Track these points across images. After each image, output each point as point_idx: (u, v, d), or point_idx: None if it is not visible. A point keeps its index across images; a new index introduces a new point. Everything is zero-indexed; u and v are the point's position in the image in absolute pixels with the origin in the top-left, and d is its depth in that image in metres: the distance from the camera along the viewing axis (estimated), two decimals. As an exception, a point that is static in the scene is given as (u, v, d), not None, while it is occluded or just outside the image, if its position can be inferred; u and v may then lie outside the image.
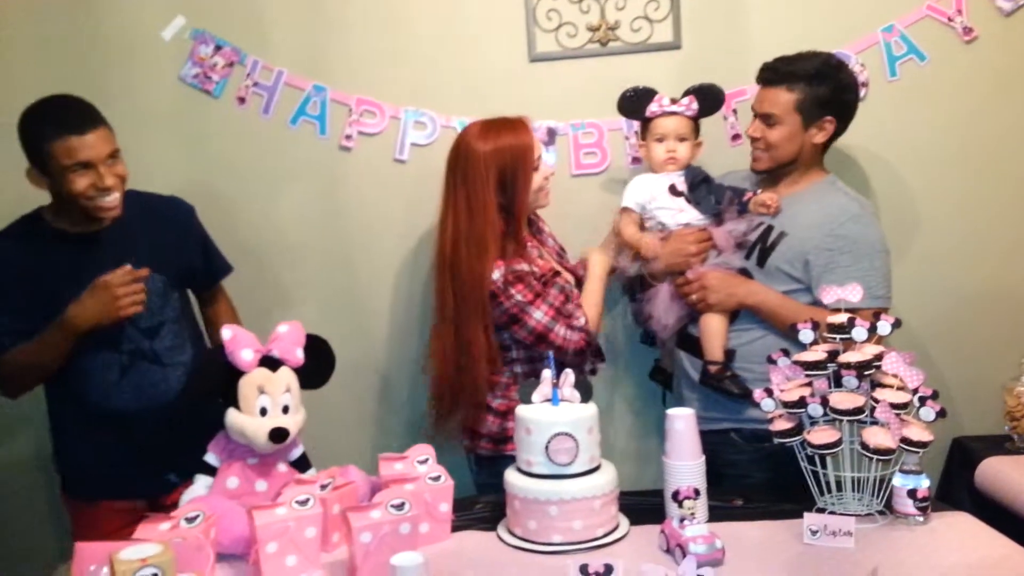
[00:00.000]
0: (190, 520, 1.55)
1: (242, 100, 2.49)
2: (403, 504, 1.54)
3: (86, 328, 1.89)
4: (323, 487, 1.67)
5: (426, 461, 1.78)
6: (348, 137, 2.49)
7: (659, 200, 2.19)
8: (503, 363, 2.11)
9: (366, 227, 2.53)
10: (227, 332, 1.69)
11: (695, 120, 2.23)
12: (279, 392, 1.69)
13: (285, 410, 1.69)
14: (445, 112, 2.49)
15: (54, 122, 1.87)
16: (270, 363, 1.71)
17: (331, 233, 2.54)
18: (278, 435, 1.65)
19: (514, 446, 1.87)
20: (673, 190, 2.20)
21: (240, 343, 1.69)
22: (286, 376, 1.71)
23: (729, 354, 2.09)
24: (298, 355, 1.73)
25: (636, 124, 2.42)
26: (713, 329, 2.10)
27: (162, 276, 2.04)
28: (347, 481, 1.71)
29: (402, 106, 2.49)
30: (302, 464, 1.78)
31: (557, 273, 2.14)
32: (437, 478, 1.72)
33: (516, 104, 2.42)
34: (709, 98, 2.22)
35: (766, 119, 2.11)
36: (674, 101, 2.20)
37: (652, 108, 2.21)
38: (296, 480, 1.67)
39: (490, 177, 2.06)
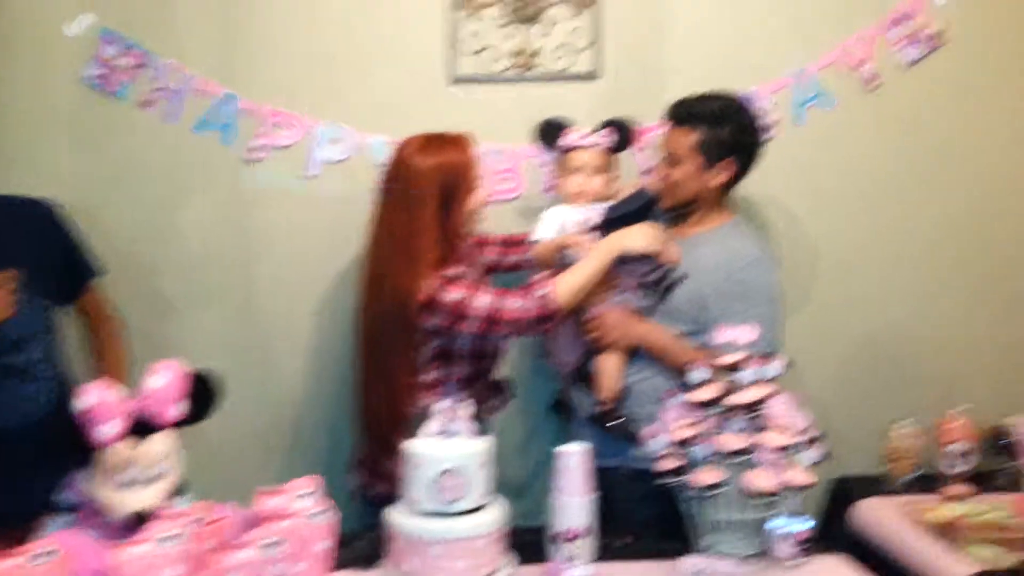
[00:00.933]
0: (41, 556, 1.45)
1: (148, 104, 2.40)
2: (277, 543, 1.49)
3: None
4: (194, 522, 1.59)
5: (308, 495, 1.72)
6: (256, 149, 2.42)
7: (571, 234, 2.17)
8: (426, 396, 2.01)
9: (271, 243, 2.47)
10: (85, 399, 1.51)
11: (611, 153, 2.23)
12: (147, 466, 1.56)
13: (153, 480, 1.58)
14: (361, 129, 2.45)
15: None
16: (141, 424, 1.55)
17: (234, 248, 2.47)
18: (140, 520, 1.52)
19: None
20: (587, 225, 2.17)
21: (100, 416, 1.49)
22: (158, 445, 1.57)
23: (621, 395, 2.10)
24: (173, 413, 1.60)
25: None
26: (608, 368, 2.11)
27: (25, 280, 1.90)
28: (220, 516, 1.64)
29: (316, 120, 2.44)
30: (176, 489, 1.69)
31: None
32: (317, 514, 1.66)
33: (434, 125, 2.37)
34: (623, 132, 2.24)
35: (669, 158, 2.13)
36: (589, 134, 2.20)
37: (566, 139, 2.21)
38: (166, 513, 1.60)
39: (430, 193, 1.97)
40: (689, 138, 2.09)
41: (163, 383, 1.57)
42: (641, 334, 2.09)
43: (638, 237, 2.05)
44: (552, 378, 2.40)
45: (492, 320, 1.97)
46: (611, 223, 2.11)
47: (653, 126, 2.45)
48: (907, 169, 2.55)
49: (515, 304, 1.98)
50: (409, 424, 1.95)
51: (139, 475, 1.55)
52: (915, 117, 2.52)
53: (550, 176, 2.46)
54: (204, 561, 1.54)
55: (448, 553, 1.60)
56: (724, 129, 2.08)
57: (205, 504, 1.66)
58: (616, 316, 2.10)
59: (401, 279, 1.96)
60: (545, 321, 2.00)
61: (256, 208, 2.46)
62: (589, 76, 2.49)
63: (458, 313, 1.96)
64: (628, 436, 2.04)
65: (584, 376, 2.19)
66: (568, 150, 2.21)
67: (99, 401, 1.51)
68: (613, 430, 2.06)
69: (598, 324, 2.11)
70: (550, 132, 2.23)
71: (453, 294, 1.95)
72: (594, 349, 2.14)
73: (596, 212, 2.18)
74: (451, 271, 1.99)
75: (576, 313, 2.15)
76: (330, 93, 2.45)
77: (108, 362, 2.09)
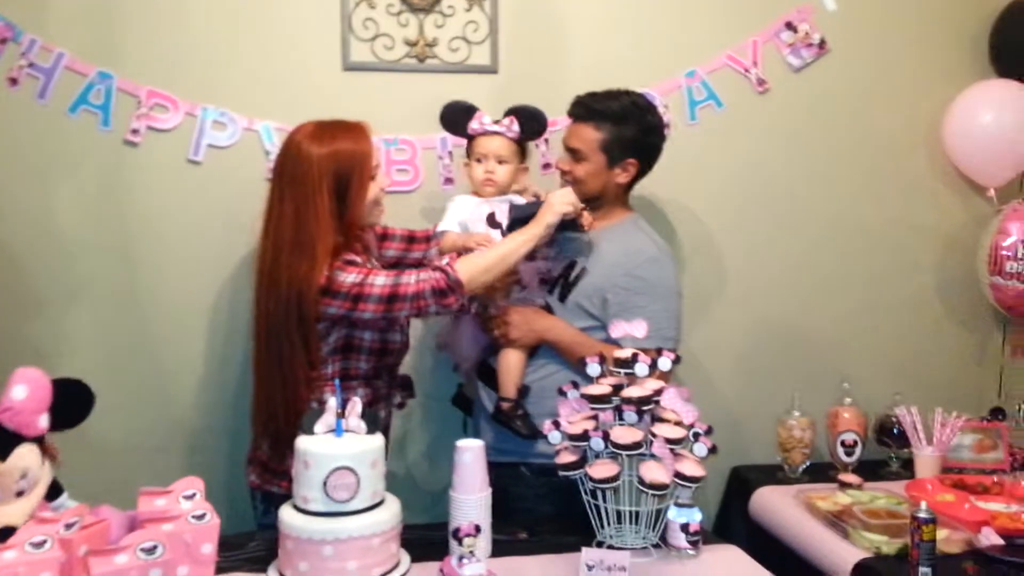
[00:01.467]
0: None
1: (14, 82, 2.24)
2: (155, 547, 1.40)
3: None
4: (68, 526, 1.49)
5: (193, 496, 1.63)
6: (135, 131, 2.29)
7: (475, 226, 2.13)
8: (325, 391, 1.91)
9: (154, 229, 2.34)
10: None
11: (518, 143, 2.19)
12: (12, 481, 1.44)
13: (19, 493, 1.46)
14: (248, 114, 2.35)
15: None
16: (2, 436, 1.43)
17: (113, 234, 2.32)
18: (6, 534, 1.41)
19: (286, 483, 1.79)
20: (491, 220, 2.14)
21: None
22: (22, 460, 1.45)
23: (523, 391, 2.09)
24: (40, 424, 1.47)
25: (451, 143, 2.40)
26: (510, 365, 2.09)
27: None
28: (98, 519, 1.54)
29: (199, 103, 2.32)
30: (52, 490, 1.57)
31: None
32: (202, 516, 1.58)
33: (327, 113, 2.29)
34: (531, 121, 2.19)
35: (573, 154, 2.13)
36: (496, 122, 2.17)
37: (472, 125, 2.16)
38: (37, 518, 1.48)
39: (324, 182, 1.88)
40: (593, 135, 2.10)
41: (24, 395, 1.44)
42: (544, 329, 2.08)
43: (562, 199, 2.01)
44: (454, 371, 2.37)
45: (392, 297, 1.88)
46: (513, 225, 2.07)
47: (552, 121, 2.46)
48: (797, 168, 2.65)
49: (414, 278, 1.89)
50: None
51: (2, 491, 1.44)
52: (802, 119, 2.63)
53: (448, 168, 2.43)
54: (78, 566, 1.44)
55: (339, 554, 1.55)
56: (628, 128, 2.09)
57: (81, 507, 1.55)
58: (519, 313, 2.09)
59: (296, 270, 1.86)
60: (446, 294, 1.89)
61: (137, 194, 2.32)
62: (487, 70, 2.47)
63: (356, 294, 1.87)
64: (529, 433, 2.03)
65: (485, 372, 2.16)
66: (474, 136, 2.17)
67: None
68: (513, 427, 2.05)
69: (501, 321, 2.09)
70: (455, 116, 2.18)
71: (351, 276, 1.87)
72: (496, 345, 2.12)
73: (499, 206, 2.15)
74: (348, 256, 1.92)
75: (478, 310, 2.13)
76: (216, 75, 2.34)
77: None
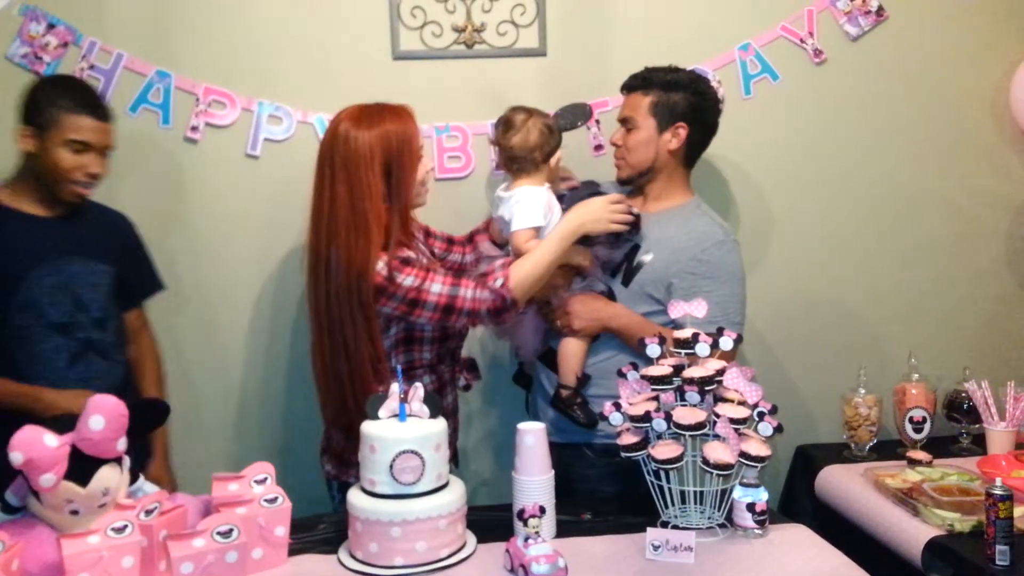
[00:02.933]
0: (-12, 550, 1.40)
1: (76, 84, 2.30)
2: (231, 530, 1.44)
3: (44, 412, 1.80)
4: (148, 512, 1.54)
5: (264, 481, 1.68)
6: (194, 128, 2.34)
7: (556, 214, 2.09)
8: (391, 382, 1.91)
9: (215, 225, 2.39)
10: (17, 456, 1.40)
11: None
12: (95, 501, 1.49)
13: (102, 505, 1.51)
14: (302, 107, 2.38)
15: (75, 97, 1.94)
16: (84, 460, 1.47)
17: (176, 230, 2.38)
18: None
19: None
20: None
21: (38, 466, 1.40)
22: (103, 483, 1.49)
23: (583, 380, 2.08)
24: (119, 448, 1.51)
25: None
26: (570, 353, 2.08)
27: (111, 270, 2.07)
28: (175, 505, 1.59)
29: (255, 98, 2.36)
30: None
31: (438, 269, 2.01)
32: (274, 500, 1.62)
33: (378, 102, 2.35)
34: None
35: (625, 123, 2.14)
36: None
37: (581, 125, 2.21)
38: (116, 504, 1.54)
39: (375, 162, 1.88)
40: (642, 100, 2.11)
41: (102, 425, 1.46)
42: (608, 317, 2.07)
43: (596, 217, 2.00)
44: (515, 357, 2.37)
45: (448, 308, 1.90)
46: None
47: (603, 101, 2.45)
48: (857, 140, 2.58)
49: (470, 294, 1.90)
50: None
51: (84, 507, 1.49)
52: (861, 89, 2.55)
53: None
54: (157, 550, 1.50)
55: (407, 535, 1.57)
56: (677, 94, 2.10)
57: (160, 493, 1.60)
58: (581, 302, 2.07)
59: (354, 250, 1.86)
60: (502, 313, 1.93)
61: (198, 190, 2.37)
62: (535, 52, 2.46)
63: (413, 299, 1.89)
64: (587, 422, 2.03)
65: (546, 353, 2.16)
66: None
67: (38, 453, 1.41)
68: (572, 415, 2.05)
69: (562, 312, 2.07)
70: (575, 120, 2.19)
71: (408, 279, 1.87)
72: (558, 334, 2.11)
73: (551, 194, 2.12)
74: (400, 252, 1.92)
75: (539, 302, 2.12)
76: (269, 70, 2.37)
77: (146, 372, 2.19)
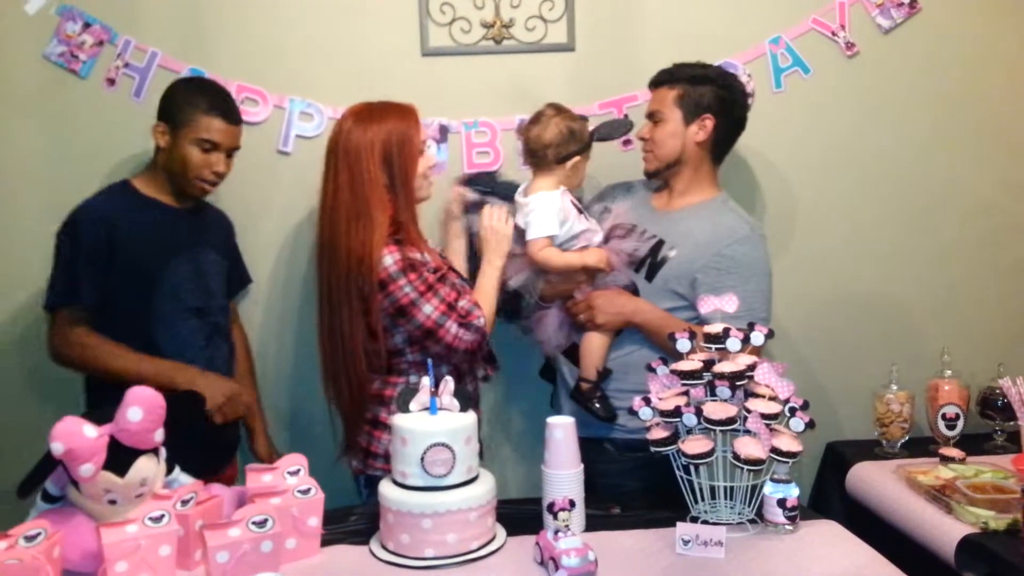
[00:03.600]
0: (30, 538, 1.43)
1: (112, 82, 2.34)
2: (265, 520, 1.47)
3: (184, 385, 1.95)
4: (184, 502, 1.57)
5: (297, 472, 1.70)
6: (228, 126, 2.37)
7: (570, 218, 2.09)
8: (397, 372, 1.99)
9: (247, 220, 2.40)
10: (58, 446, 1.44)
11: None
12: (133, 491, 1.52)
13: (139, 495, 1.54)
14: (332, 103, 2.40)
15: (210, 99, 2.05)
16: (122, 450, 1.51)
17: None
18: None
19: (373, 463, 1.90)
20: (576, 208, 2.12)
21: (78, 456, 1.44)
22: (140, 473, 1.52)
23: (603, 374, 2.09)
24: (156, 439, 1.54)
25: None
26: (592, 347, 2.09)
27: (224, 261, 2.22)
28: (210, 496, 1.62)
29: (287, 95, 2.39)
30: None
31: (450, 268, 2.05)
32: (307, 491, 1.64)
33: (407, 99, 2.34)
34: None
35: (652, 116, 2.15)
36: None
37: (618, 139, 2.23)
38: (154, 494, 1.57)
39: (375, 152, 1.94)
40: (670, 94, 2.12)
41: (140, 416, 1.50)
42: (631, 312, 2.07)
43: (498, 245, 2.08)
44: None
45: (429, 333, 1.94)
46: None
47: (631, 96, 2.44)
48: (890, 134, 2.54)
49: (455, 329, 1.94)
50: (377, 397, 1.99)
51: (122, 497, 1.52)
52: (894, 83, 2.52)
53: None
54: (194, 539, 1.52)
55: (438, 527, 1.59)
56: (703, 87, 2.11)
57: (196, 483, 1.63)
58: (605, 297, 2.08)
59: (356, 237, 1.91)
60: (472, 356, 2.03)
61: (232, 186, 2.39)
62: (564, 48, 2.46)
63: (403, 308, 1.92)
64: (606, 416, 2.04)
65: (570, 351, 2.16)
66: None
67: (77, 443, 1.45)
68: (591, 409, 2.05)
69: (585, 306, 2.08)
70: (616, 133, 2.19)
71: (407, 287, 1.91)
72: (580, 328, 2.12)
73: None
74: (411, 253, 1.93)
75: (563, 297, 2.13)
76: (300, 67, 2.40)
77: (241, 360, 2.32)
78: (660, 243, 2.10)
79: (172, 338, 2.06)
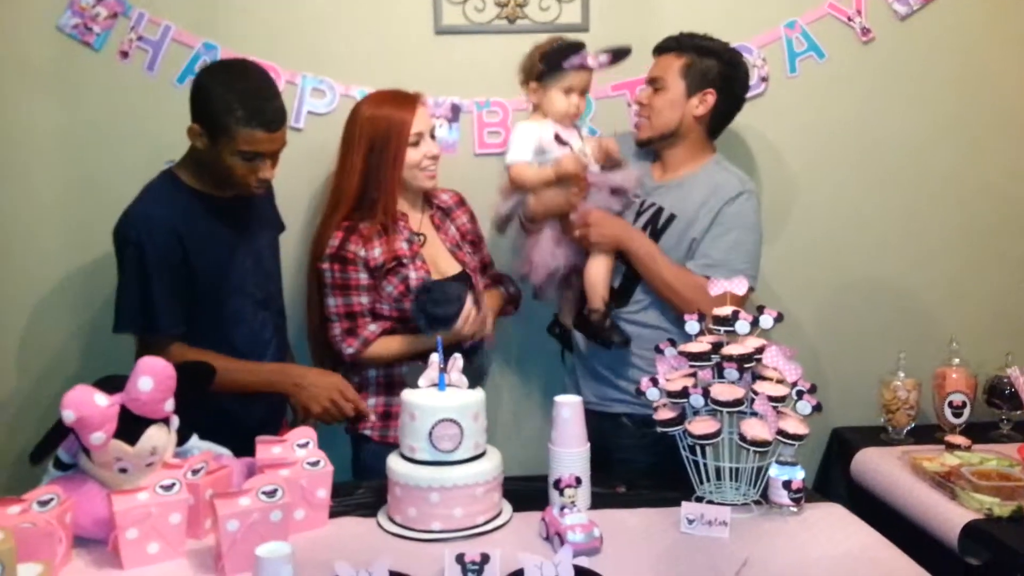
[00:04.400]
0: (43, 503, 1.45)
1: (125, 55, 2.34)
2: (275, 491, 1.48)
3: (293, 392, 2.00)
4: (195, 472, 1.59)
5: (306, 445, 1.71)
6: (240, 101, 2.37)
7: (548, 147, 2.13)
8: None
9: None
10: (69, 414, 1.45)
11: None
12: (143, 460, 1.54)
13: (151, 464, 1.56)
14: (345, 81, 2.40)
15: (251, 110, 1.83)
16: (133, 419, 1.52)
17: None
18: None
19: (364, 424, 2.03)
20: (558, 139, 2.14)
21: (89, 424, 1.46)
22: (151, 441, 1.53)
23: (610, 302, 2.09)
24: (166, 409, 1.55)
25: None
26: (595, 274, 2.09)
27: (275, 233, 2.20)
28: (221, 466, 1.64)
29: (299, 71, 2.39)
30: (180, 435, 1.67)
31: (399, 263, 2.07)
32: (316, 463, 1.66)
33: (420, 77, 2.36)
34: (619, 58, 2.20)
35: (653, 83, 2.14)
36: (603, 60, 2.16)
37: (574, 60, 2.13)
38: (164, 463, 1.59)
39: (362, 143, 2.07)
40: (674, 62, 2.11)
41: (150, 386, 1.51)
42: (623, 231, 2.07)
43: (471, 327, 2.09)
44: (534, 298, 2.35)
45: (326, 319, 2.11)
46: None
47: (642, 78, 2.43)
48: (904, 121, 2.54)
49: (338, 332, 2.10)
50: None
51: (132, 465, 1.53)
52: (910, 69, 2.51)
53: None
54: (204, 508, 1.54)
55: (445, 501, 1.60)
56: (710, 60, 2.10)
57: (207, 454, 1.65)
58: (600, 214, 2.08)
59: (324, 225, 2.13)
60: (344, 364, 2.13)
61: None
62: (578, 28, 2.44)
63: (324, 287, 2.10)
64: (620, 340, 2.05)
65: (582, 322, 2.15)
66: (568, 69, 2.14)
67: (88, 411, 1.46)
68: (604, 337, 2.06)
69: (583, 223, 2.08)
70: (565, 53, 2.14)
71: (326, 275, 2.09)
72: (577, 256, 2.13)
73: (564, 129, 2.15)
74: (351, 245, 2.07)
75: (559, 219, 2.15)
76: (313, 43, 2.39)
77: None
78: (659, 210, 2.10)
79: (246, 335, 2.02)
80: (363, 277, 2.08)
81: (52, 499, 1.45)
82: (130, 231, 1.87)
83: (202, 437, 1.76)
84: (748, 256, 2.04)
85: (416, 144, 2.09)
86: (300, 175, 2.40)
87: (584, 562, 1.43)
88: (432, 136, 2.15)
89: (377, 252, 2.07)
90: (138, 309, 1.87)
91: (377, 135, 2.07)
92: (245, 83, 1.86)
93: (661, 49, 2.17)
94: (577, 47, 2.15)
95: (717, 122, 2.16)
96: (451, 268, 2.17)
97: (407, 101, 2.11)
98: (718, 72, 2.10)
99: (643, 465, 2.03)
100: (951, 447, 2.14)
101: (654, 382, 1.80)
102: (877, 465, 2.19)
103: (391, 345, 2.11)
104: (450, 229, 2.24)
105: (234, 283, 1.99)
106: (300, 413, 2.03)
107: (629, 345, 2.06)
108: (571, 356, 2.31)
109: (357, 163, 2.08)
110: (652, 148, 2.19)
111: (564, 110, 2.14)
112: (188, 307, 1.91)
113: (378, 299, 2.10)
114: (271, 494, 1.47)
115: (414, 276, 2.08)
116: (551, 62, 2.14)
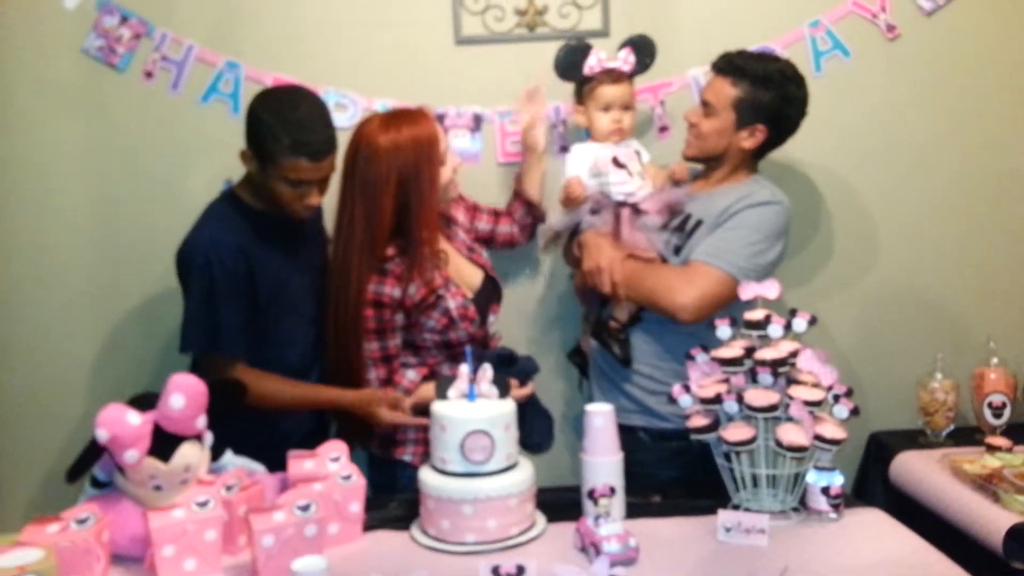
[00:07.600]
0: (80, 522, 1.46)
1: (149, 75, 2.37)
2: (309, 505, 1.48)
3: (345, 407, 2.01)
4: (228, 488, 1.59)
5: (338, 459, 1.71)
6: (264, 117, 2.38)
7: (604, 169, 2.09)
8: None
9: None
10: (103, 433, 1.46)
11: (631, 77, 2.17)
12: (177, 477, 1.54)
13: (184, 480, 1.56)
14: (367, 94, 2.40)
15: (298, 140, 1.83)
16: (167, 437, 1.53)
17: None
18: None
19: (403, 450, 1.98)
20: (616, 162, 2.11)
21: (122, 443, 1.47)
22: (184, 459, 1.53)
23: (634, 319, 2.08)
24: (198, 426, 1.55)
25: (563, 111, 2.39)
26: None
27: (324, 246, 2.13)
28: (254, 482, 1.64)
29: (322, 86, 2.39)
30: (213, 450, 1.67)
31: (438, 297, 2.01)
32: (348, 477, 1.65)
33: (441, 88, 2.37)
34: (644, 51, 2.17)
35: (705, 106, 2.08)
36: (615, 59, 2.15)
37: (590, 63, 2.12)
38: (198, 480, 1.59)
39: (391, 184, 1.95)
40: (728, 91, 2.03)
41: (182, 404, 1.51)
42: (605, 262, 2.03)
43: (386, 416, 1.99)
44: (571, 327, 2.37)
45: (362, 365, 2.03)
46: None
47: (667, 82, 2.42)
48: (933, 118, 2.49)
49: (371, 378, 2.02)
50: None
51: (167, 483, 1.54)
52: (936, 66, 2.47)
53: (562, 136, 2.42)
54: (238, 524, 1.54)
55: (479, 513, 1.59)
56: (766, 93, 2.00)
57: (240, 471, 1.65)
58: (591, 238, 2.08)
59: (364, 274, 1.97)
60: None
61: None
62: (598, 34, 2.43)
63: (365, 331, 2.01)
64: (623, 357, 2.04)
65: (600, 330, 2.12)
66: (594, 85, 2.13)
67: (121, 430, 1.47)
68: (611, 348, 2.06)
69: (578, 244, 2.11)
70: (574, 57, 2.13)
71: (367, 321, 1.99)
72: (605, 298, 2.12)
73: (621, 150, 2.13)
74: (389, 287, 1.98)
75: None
76: (334, 58, 2.40)
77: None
78: (687, 217, 2.08)
79: (299, 354, 2.02)
80: (398, 319, 2.01)
81: (89, 517, 1.46)
82: (197, 255, 1.89)
83: (242, 448, 1.76)
84: (744, 252, 1.95)
85: (443, 162, 2.02)
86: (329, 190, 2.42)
87: (621, 573, 1.42)
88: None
89: (412, 290, 1.99)
90: (206, 330, 1.88)
91: (406, 164, 1.95)
92: (295, 112, 1.86)
93: (718, 69, 2.07)
94: (583, 49, 2.13)
95: (766, 149, 2.11)
96: (474, 276, 2.14)
97: (421, 117, 2.01)
98: (773, 106, 2.01)
99: (663, 479, 1.97)
100: (992, 449, 2.09)
101: (686, 389, 1.78)
102: (916, 469, 2.15)
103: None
104: (457, 234, 2.20)
105: (291, 302, 1.99)
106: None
107: (629, 365, 2.05)
108: (587, 384, 2.29)
109: (388, 203, 1.95)
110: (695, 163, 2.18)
111: (608, 128, 2.13)
112: (251, 326, 1.92)
113: (417, 333, 2.04)
114: (305, 509, 1.47)
115: (453, 305, 2.02)
116: (560, 67, 2.15)
